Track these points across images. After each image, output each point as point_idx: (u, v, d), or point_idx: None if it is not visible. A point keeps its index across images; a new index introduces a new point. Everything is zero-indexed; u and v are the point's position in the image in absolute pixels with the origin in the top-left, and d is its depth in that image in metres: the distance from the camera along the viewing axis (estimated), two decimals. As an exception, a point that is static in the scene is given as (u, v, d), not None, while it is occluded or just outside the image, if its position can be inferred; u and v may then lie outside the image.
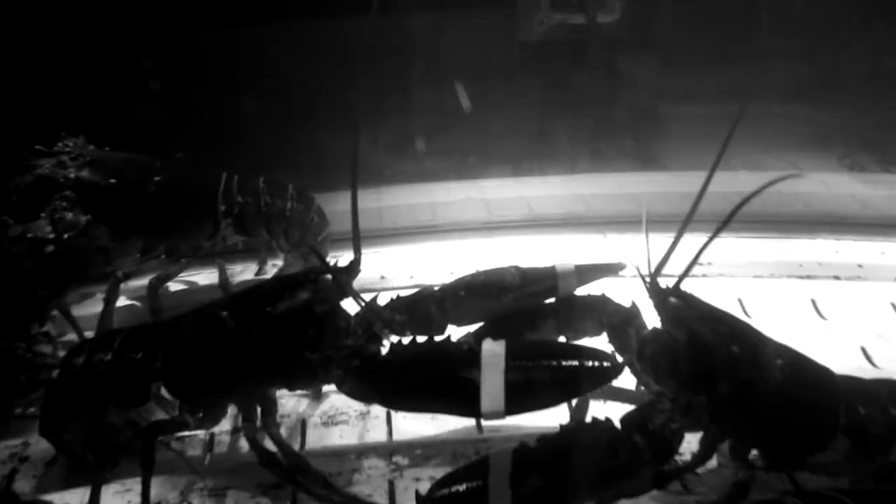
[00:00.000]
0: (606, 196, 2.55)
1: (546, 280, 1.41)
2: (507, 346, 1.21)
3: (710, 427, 1.22)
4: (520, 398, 1.17)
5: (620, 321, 1.35)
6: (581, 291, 1.43)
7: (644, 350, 1.27)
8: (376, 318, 1.36)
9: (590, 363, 1.19)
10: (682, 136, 2.90)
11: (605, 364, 1.19)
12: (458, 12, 2.76)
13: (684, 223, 1.23)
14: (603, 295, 1.39)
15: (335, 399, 1.62)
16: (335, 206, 2.04)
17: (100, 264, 1.84)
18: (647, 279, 1.25)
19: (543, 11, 2.81)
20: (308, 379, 1.34)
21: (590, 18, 2.86)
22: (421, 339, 1.29)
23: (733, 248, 2.21)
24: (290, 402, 1.62)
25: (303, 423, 1.56)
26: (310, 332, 1.31)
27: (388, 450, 1.43)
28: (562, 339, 1.41)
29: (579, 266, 1.42)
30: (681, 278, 1.24)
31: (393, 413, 1.55)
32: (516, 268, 1.44)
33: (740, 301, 1.96)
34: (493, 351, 1.20)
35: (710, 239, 1.19)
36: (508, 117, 2.96)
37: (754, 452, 1.24)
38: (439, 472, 1.32)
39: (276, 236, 1.97)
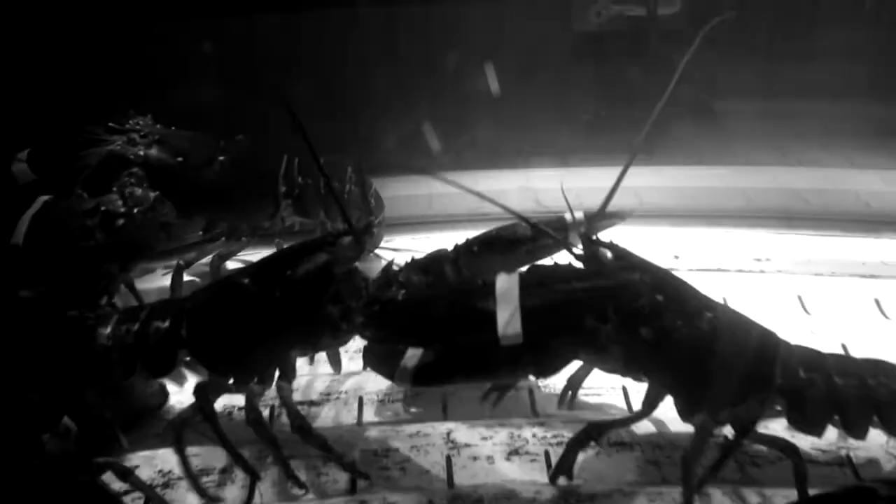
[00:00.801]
0: (659, 189, 2.52)
1: (557, 231, 1.43)
2: (522, 274, 1.21)
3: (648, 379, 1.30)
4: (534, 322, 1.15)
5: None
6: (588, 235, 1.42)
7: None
8: (394, 280, 1.37)
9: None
10: (736, 131, 2.87)
11: None
12: (513, 3, 2.77)
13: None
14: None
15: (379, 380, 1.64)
16: (394, 191, 2.07)
17: (163, 241, 1.90)
18: (580, 231, 1.33)
19: (602, 2, 2.79)
20: (332, 333, 1.34)
21: (650, 10, 2.84)
22: None
23: (792, 245, 2.18)
24: (348, 380, 1.66)
25: (360, 400, 1.59)
26: (329, 290, 1.33)
27: (446, 428, 1.44)
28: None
29: (588, 213, 1.44)
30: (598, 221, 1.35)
31: (448, 394, 1.57)
32: (528, 221, 1.43)
33: (800, 298, 1.94)
34: (506, 278, 1.19)
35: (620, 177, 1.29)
36: (561, 108, 2.95)
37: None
38: (497, 452, 1.36)
39: (333, 218, 2.01)
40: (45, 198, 1.82)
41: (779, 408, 1.28)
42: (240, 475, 1.37)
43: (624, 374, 1.30)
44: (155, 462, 1.42)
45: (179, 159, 1.87)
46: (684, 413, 1.29)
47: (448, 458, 1.36)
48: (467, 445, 1.39)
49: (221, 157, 1.90)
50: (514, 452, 1.36)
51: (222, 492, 1.35)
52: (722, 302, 1.31)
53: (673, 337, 1.21)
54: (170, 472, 1.40)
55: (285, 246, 1.57)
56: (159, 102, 2.38)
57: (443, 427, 1.44)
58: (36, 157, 1.93)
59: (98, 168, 1.82)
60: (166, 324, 1.40)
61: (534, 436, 1.39)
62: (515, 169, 2.70)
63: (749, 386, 1.24)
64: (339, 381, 1.65)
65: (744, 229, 2.32)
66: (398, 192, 2.40)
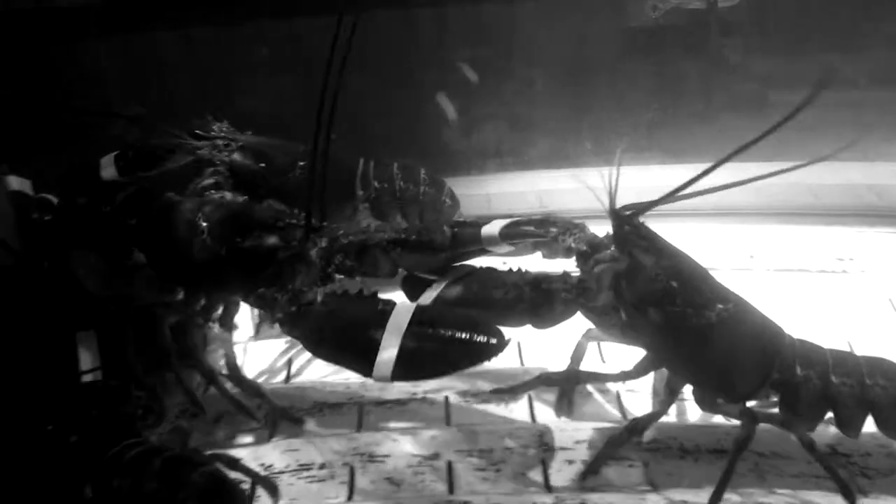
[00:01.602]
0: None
1: (474, 244, 1.48)
2: (417, 309, 1.28)
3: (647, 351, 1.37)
4: (407, 366, 1.22)
5: (591, 248, 1.41)
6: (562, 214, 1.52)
7: (594, 269, 1.37)
8: (330, 263, 1.48)
9: (482, 339, 1.23)
10: (792, 124, 2.82)
11: (492, 341, 1.23)
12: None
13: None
14: (582, 222, 1.47)
15: (474, 379, 1.69)
16: (467, 189, 2.10)
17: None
18: (611, 207, 1.35)
19: (659, -3, 2.77)
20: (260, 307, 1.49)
21: (711, 4, 2.81)
22: (353, 291, 1.38)
23: (874, 243, 2.15)
24: (436, 381, 1.68)
25: (446, 399, 1.63)
26: (268, 272, 1.45)
27: (537, 431, 1.48)
28: (538, 254, 1.50)
29: (503, 230, 1.46)
30: (641, 211, 1.34)
31: (534, 397, 1.61)
32: (448, 227, 1.50)
33: (891, 302, 1.90)
34: (402, 312, 1.26)
35: (692, 181, 1.25)
36: (614, 105, 2.94)
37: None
38: (592, 457, 1.39)
39: (410, 220, 2.04)
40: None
41: (774, 398, 1.33)
42: (339, 470, 1.43)
43: (621, 341, 1.40)
44: (258, 455, 1.49)
45: (262, 165, 1.92)
46: (701, 401, 1.36)
47: (543, 462, 1.40)
48: (562, 449, 1.42)
49: (302, 163, 1.94)
50: (611, 456, 1.38)
51: (322, 487, 1.41)
52: (744, 298, 1.35)
53: (679, 323, 1.28)
54: (271, 465, 1.46)
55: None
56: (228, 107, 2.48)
57: (534, 429, 1.48)
58: (121, 161, 2.00)
59: (184, 172, 1.90)
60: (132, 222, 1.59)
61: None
62: (578, 168, 2.71)
63: (745, 379, 1.30)
64: (425, 381, 1.69)
65: (820, 227, 2.28)
66: (476, 189, 2.46)
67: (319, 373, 1.76)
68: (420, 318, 1.25)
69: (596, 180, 1.36)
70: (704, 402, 1.36)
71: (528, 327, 1.40)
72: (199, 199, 1.73)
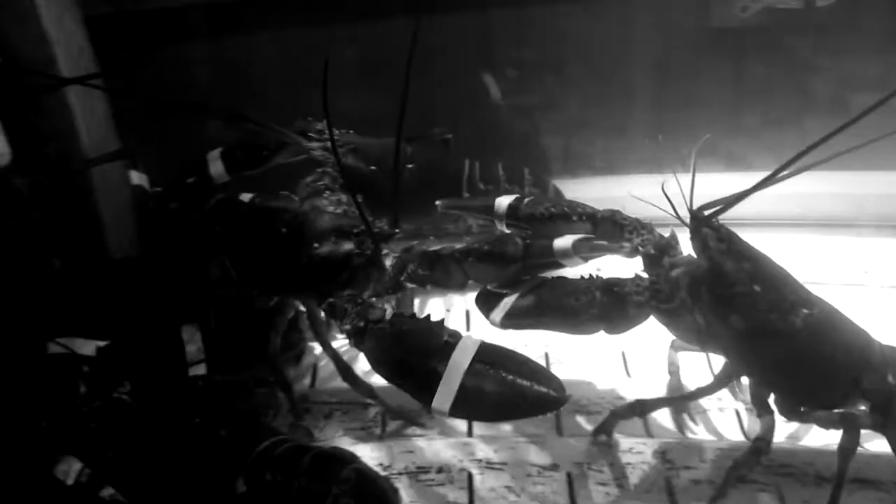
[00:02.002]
0: (833, 196, 2.42)
1: (547, 257, 1.49)
2: (482, 346, 1.28)
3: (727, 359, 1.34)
4: (466, 404, 1.24)
5: (657, 250, 1.40)
6: (627, 212, 1.52)
7: (670, 272, 1.34)
8: (402, 272, 1.57)
9: (542, 389, 1.23)
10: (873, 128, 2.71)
11: (552, 393, 1.23)
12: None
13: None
14: (648, 222, 1.46)
15: (585, 389, 1.69)
16: (575, 192, 2.10)
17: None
18: (689, 208, 1.33)
19: (748, -4, 2.70)
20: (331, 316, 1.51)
21: (809, 3, 2.72)
22: (419, 314, 1.43)
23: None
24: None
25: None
26: (343, 277, 1.53)
27: (659, 447, 1.47)
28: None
29: (576, 244, 1.47)
30: (719, 211, 1.30)
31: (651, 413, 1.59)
32: (521, 239, 1.53)
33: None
34: (467, 347, 1.27)
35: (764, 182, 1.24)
36: (698, 108, 2.88)
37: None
38: (718, 476, 1.37)
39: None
40: (249, 195, 1.95)
41: (863, 407, 1.29)
42: (457, 476, 1.45)
43: (698, 347, 1.36)
44: (374, 455, 1.51)
45: (373, 167, 1.95)
46: (756, 401, 1.34)
47: (668, 480, 1.39)
48: (687, 468, 1.41)
49: (410, 165, 1.96)
50: (740, 479, 1.36)
51: (441, 491, 1.43)
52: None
53: (763, 329, 1.24)
54: (389, 466, 1.49)
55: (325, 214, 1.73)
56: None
57: (655, 444, 1.47)
58: (228, 158, 2.06)
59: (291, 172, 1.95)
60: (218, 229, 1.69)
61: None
62: (662, 173, 2.66)
63: (834, 387, 1.26)
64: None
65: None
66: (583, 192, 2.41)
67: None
68: (484, 357, 1.26)
69: (678, 184, 1.36)
70: (788, 410, 1.32)
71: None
72: (279, 206, 1.82)
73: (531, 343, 1.78)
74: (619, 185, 2.74)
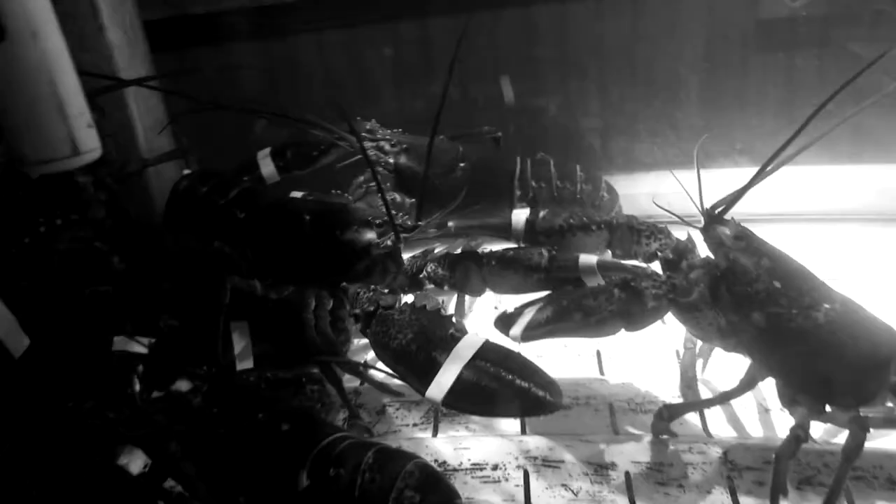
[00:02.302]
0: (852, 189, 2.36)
1: (570, 272, 1.51)
2: (485, 344, 1.29)
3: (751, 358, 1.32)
4: (460, 396, 1.26)
5: (676, 254, 1.40)
6: (644, 217, 1.55)
7: (689, 273, 1.34)
8: (422, 269, 1.59)
9: (539, 392, 1.25)
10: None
11: (547, 397, 1.25)
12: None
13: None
14: (665, 227, 1.47)
15: (640, 387, 1.67)
16: (633, 189, 2.08)
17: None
18: (703, 209, 1.35)
19: (800, -14, 2.64)
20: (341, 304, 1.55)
21: (862, -9, 2.65)
22: (428, 305, 1.43)
23: None
24: (593, 385, 1.69)
25: (610, 407, 1.63)
26: (360, 266, 1.52)
27: (720, 447, 1.44)
28: (608, 254, 1.56)
29: (601, 262, 1.50)
30: (728, 206, 1.32)
31: (706, 410, 1.57)
32: (547, 250, 1.54)
33: None
34: (469, 343, 1.29)
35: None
36: (744, 101, 2.83)
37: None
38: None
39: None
40: (300, 194, 1.98)
41: (890, 404, 1.26)
42: (513, 473, 1.45)
43: (719, 345, 1.36)
44: (430, 451, 1.51)
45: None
46: (784, 399, 1.31)
47: (730, 479, 1.37)
48: (749, 469, 1.38)
49: (462, 164, 1.97)
50: (805, 482, 1.34)
51: (497, 488, 1.43)
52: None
53: (784, 325, 1.23)
54: (444, 462, 1.49)
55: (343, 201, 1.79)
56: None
57: (716, 446, 1.45)
58: (279, 158, 2.09)
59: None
60: (242, 216, 1.68)
61: (826, 465, 1.36)
62: (727, 168, 2.62)
63: (861, 383, 1.24)
64: (587, 386, 1.69)
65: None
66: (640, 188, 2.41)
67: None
68: (485, 355, 1.28)
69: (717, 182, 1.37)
70: (814, 410, 1.29)
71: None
72: (304, 195, 1.87)
73: (582, 340, 1.78)
74: (666, 180, 2.74)
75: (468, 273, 1.59)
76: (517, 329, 1.41)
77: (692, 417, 1.55)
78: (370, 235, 1.54)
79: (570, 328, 1.38)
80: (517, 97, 2.55)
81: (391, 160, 1.96)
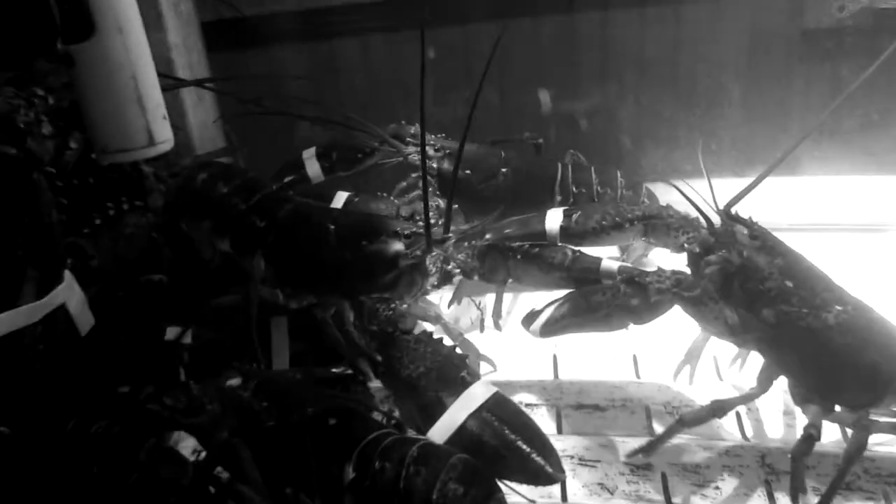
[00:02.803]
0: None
1: (592, 273, 1.54)
2: (495, 395, 1.26)
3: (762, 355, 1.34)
4: (458, 445, 1.22)
5: (703, 248, 1.41)
6: (678, 208, 1.58)
7: (704, 268, 1.36)
8: (453, 259, 1.57)
9: (539, 461, 1.21)
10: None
11: (548, 471, 1.21)
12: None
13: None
14: (696, 219, 1.47)
15: (678, 390, 1.68)
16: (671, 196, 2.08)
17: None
18: (717, 208, 1.39)
19: (851, -5, 2.62)
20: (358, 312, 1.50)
21: (920, 1, 2.62)
22: (439, 347, 1.37)
23: None
24: (630, 388, 1.70)
25: (647, 410, 1.63)
26: (388, 278, 1.50)
27: (758, 451, 1.45)
28: (640, 241, 1.61)
29: (622, 268, 1.52)
30: (735, 201, 1.37)
31: (743, 413, 1.58)
32: (571, 250, 1.56)
33: None
34: (479, 391, 1.26)
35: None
36: (787, 112, 2.81)
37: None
38: (822, 485, 1.34)
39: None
40: (345, 194, 2.02)
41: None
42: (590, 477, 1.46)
43: (730, 341, 1.36)
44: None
45: (468, 172, 1.99)
46: (796, 398, 1.33)
47: (767, 483, 1.38)
48: (787, 473, 1.36)
49: (504, 170, 1.99)
50: (845, 487, 1.33)
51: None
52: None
53: (795, 324, 1.25)
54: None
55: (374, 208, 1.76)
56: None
57: (753, 448, 1.45)
58: (324, 158, 2.13)
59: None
60: (262, 224, 1.63)
61: (865, 471, 1.36)
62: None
63: (871, 384, 1.24)
64: (623, 389, 1.71)
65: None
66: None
67: (514, 372, 1.79)
68: (493, 408, 1.24)
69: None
70: (823, 409, 1.30)
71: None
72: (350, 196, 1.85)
73: (618, 343, 1.81)
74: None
75: (496, 265, 1.60)
76: (536, 324, 1.44)
77: (728, 421, 1.56)
78: (398, 246, 1.52)
79: (582, 323, 1.42)
80: (559, 103, 2.57)
81: (434, 165, 1.99)
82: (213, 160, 1.89)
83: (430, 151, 2.00)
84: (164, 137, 1.07)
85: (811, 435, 1.25)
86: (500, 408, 1.25)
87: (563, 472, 1.22)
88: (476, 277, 1.64)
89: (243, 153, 2.25)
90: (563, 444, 1.52)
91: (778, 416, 1.57)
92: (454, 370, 1.30)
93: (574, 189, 2.03)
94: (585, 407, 1.66)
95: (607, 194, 2.03)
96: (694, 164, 2.74)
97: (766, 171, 1.38)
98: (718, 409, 1.32)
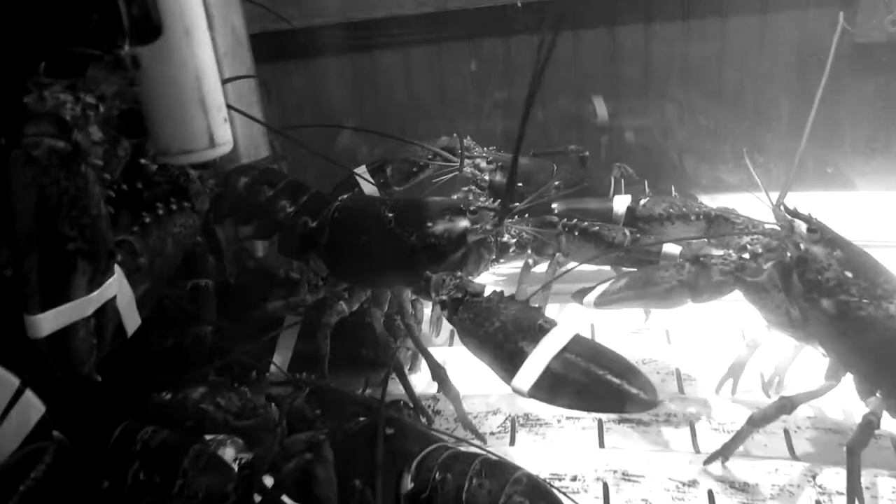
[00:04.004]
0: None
1: (651, 256, 1.56)
2: (576, 337, 1.23)
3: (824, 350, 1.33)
4: (547, 387, 1.19)
5: (765, 251, 1.39)
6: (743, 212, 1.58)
7: (763, 264, 1.35)
8: (508, 232, 1.55)
9: (633, 391, 1.16)
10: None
11: (643, 396, 1.15)
12: (783, 13, 2.62)
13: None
14: (760, 222, 1.47)
15: (722, 405, 1.64)
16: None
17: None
18: (775, 205, 1.39)
19: (901, 9, 2.56)
20: (425, 293, 1.47)
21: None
22: (512, 295, 1.37)
23: None
24: (674, 403, 1.67)
25: (691, 425, 1.59)
26: (455, 258, 1.49)
27: (808, 470, 1.40)
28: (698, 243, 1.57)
29: (684, 252, 1.54)
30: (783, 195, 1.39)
31: (791, 430, 1.53)
32: (630, 231, 1.57)
33: None
34: (559, 335, 1.23)
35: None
36: (837, 126, 2.75)
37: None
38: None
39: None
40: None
41: None
42: (592, 485, 1.44)
43: (790, 334, 1.35)
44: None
45: (520, 185, 1.94)
46: (861, 392, 1.30)
47: (818, 503, 1.33)
48: (840, 494, 1.33)
49: (557, 182, 1.97)
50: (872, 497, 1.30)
51: (575, 498, 1.37)
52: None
53: (855, 314, 1.22)
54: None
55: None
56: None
57: (802, 467, 1.41)
58: (379, 174, 2.12)
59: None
60: (313, 224, 1.65)
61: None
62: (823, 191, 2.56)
63: None
64: (666, 405, 1.66)
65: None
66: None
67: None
68: (575, 348, 1.21)
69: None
70: (888, 401, 1.26)
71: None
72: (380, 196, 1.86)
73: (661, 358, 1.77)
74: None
75: (547, 238, 1.61)
76: (591, 297, 1.46)
77: (777, 440, 1.51)
78: (464, 223, 1.52)
79: (640, 296, 1.43)
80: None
81: (487, 177, 1.99)
82: (251, 165, 1.91)
83: (482, 164, 1.99)
84: (225, 140, 1.08)
85: (871, 422, 1.23)
86: (582, 347, 1.23)
87: (657, 395, 1.18)
88: (530, 250, 1.65)
89: (287, 162, 2.28)
90: (606, 458, 1.50)
91: (829, 435, 1.52)
92: (530, 319, 1.28)
93: (629, 203, 2.00)
94: (628, 421, 1.63)
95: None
96: (739, 178, 2.73)
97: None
98: (787, 405, 1.30)
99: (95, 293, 1.08)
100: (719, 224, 1.58)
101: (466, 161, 1.99)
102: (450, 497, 1.13)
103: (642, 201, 1.64)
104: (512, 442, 1.61)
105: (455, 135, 2.11)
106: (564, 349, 1.21)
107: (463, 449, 1.25)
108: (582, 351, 1.22)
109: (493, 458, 1.20)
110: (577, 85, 2.73)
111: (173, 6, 0.95)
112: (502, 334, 1.27)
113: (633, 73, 2.72)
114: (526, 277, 1.87)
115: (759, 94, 2.74)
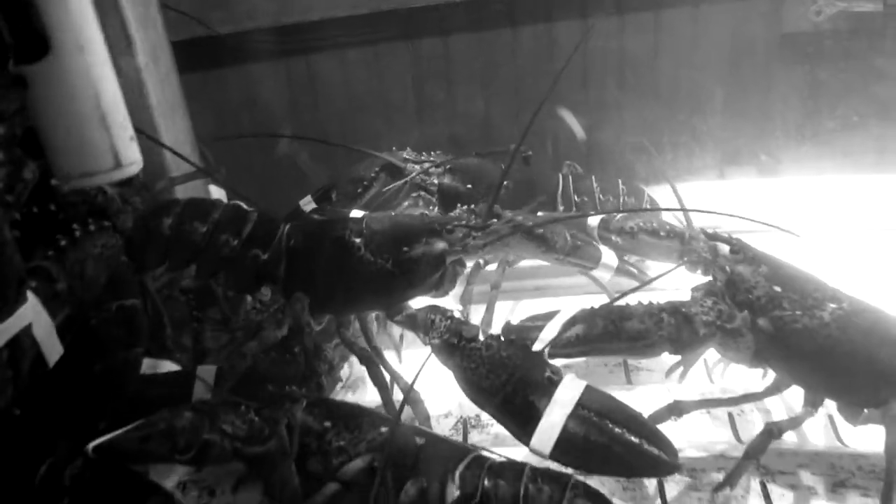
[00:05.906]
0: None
1: (589, 263, 1.64)
2: (587, 389, 1.19)
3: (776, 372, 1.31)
4: (568, 450, 1.15)
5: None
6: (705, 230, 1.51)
7: (695, 293, 1.35)
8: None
9: (654, 451, 1.14)
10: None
11: (664, 458, 1.14)
12: (715, 4, 2.67)
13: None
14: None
15: (671, 396, 1.63)
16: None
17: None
18: (694, 230, 1.42)
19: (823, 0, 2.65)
20: (411, 328, 1.41)
21: (889, 6, 2.65)
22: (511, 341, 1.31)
23: None
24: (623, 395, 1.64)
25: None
26: (434, 278, 1.44)
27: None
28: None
29: (620, 265, 1.60)
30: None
31: (735, 413, 1.54)
32: (573, 236, 1.62)
33: None
34: (570, 388, 1.19)
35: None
36: (768, 114, 2.82)
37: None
38: (817, 484, 1.32)
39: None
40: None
41: None
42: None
43: (752, 366, 1.32)
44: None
45: (469, 186, 1.96)
46: (807, 401, 1.31)
47: (763, 485, 1.34)
48: (782, 473, 1.35)
49: (506, 183, 1.94)
50: (839, 484, 1.31)
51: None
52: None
53: (791, 327, 1.23)
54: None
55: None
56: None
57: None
58: (325, 200, 2.06)
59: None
60: (265, 256, 1.49)
61: (860, 468, 1.33)
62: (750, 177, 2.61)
63: (884, 383, 1.21)
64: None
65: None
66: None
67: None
68: (589, 403, 1.18)
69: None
70: (849, 415, 1.28)
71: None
72: (341, 217, 1.63)
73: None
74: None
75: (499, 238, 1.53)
76: (539, 344, 1.34)
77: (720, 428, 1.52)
78: (442, 244, 1.44)
79: (614, 349, 1.34)
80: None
81: (436, 181, 1.96)
82: (167, 200, 1.69)
83: (431, 168, 1.96)
84: (132, 159, 1.01)
85: (770, 431, 1.25)
86: (594, 401, 1.18)
87: (678, 457, 1.16)
88: (487, 249, 1.54)
89: (221, 173, 2.21)
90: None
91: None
92: (538, 371, 1.23)
93: (577, 198, 2.02)
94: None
95: (609, 202, 2.02)
96: (677, 169, 2.78)
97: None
98: (774, 430, 1.27)
99: (5, 323, 1.01)
100: (694, 244, 1.49)
101: (414, 167, 1.95)
102: (507, 503, 1.12)
103: (618, 216, 1.65)
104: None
105: (394, 148, 2.07)
106: (578, 405, 1.17)
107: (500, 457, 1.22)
108: (595, 406, 1.18)
109: (539, 466, 1.18)
110: (518, 83, 2.73)
111: (63, 21, 0.88)
112: (510, 388, 1.22)
113: (571, 68, 2.73)
114: (475, 278, 1.89)
115: (693, 86, 2.78)
